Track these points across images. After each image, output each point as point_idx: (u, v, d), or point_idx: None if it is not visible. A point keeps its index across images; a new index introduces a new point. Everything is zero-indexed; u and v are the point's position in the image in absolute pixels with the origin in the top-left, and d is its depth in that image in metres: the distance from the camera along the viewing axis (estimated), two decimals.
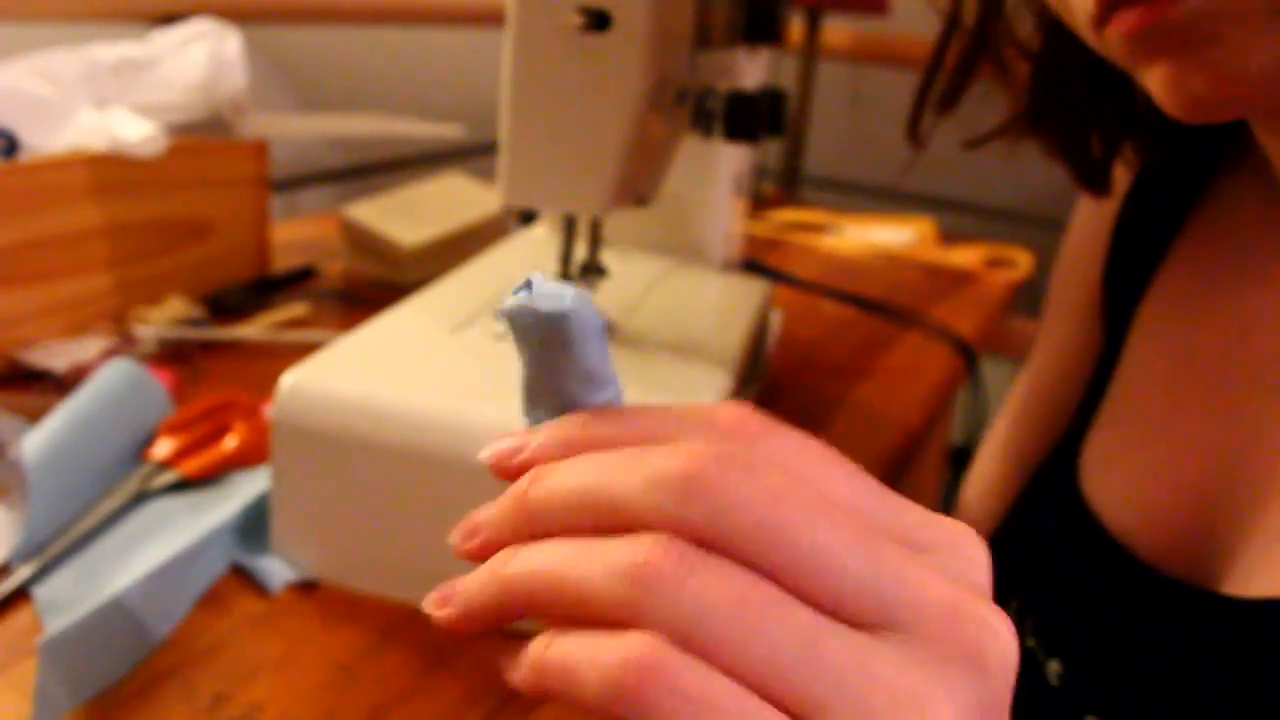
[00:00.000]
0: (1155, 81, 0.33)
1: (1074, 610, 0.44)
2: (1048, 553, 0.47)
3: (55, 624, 0.43)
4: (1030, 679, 0.44)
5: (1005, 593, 0.47)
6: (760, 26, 0.67)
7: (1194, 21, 0.31)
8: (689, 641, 0.20)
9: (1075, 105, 0.46)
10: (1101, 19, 0.33)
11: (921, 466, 1.30)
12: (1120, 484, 0.45)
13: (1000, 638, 0.22)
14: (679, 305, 0.70)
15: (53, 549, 0.51)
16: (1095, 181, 0.47)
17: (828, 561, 0.21)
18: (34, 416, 0.59)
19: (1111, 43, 0.33)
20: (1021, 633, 0.45)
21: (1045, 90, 0.46)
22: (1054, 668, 0.43)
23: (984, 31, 0.45)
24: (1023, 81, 0.46)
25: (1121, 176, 0.48)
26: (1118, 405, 0.48)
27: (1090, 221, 0.54)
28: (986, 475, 0.60)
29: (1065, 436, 0.51)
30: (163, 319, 0.77)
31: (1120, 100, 0.45)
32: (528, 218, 0.92)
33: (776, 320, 0.89)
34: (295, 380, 0.51)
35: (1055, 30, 0.44)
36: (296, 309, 0.85)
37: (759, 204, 1.46)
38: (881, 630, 0.21)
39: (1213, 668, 0.37)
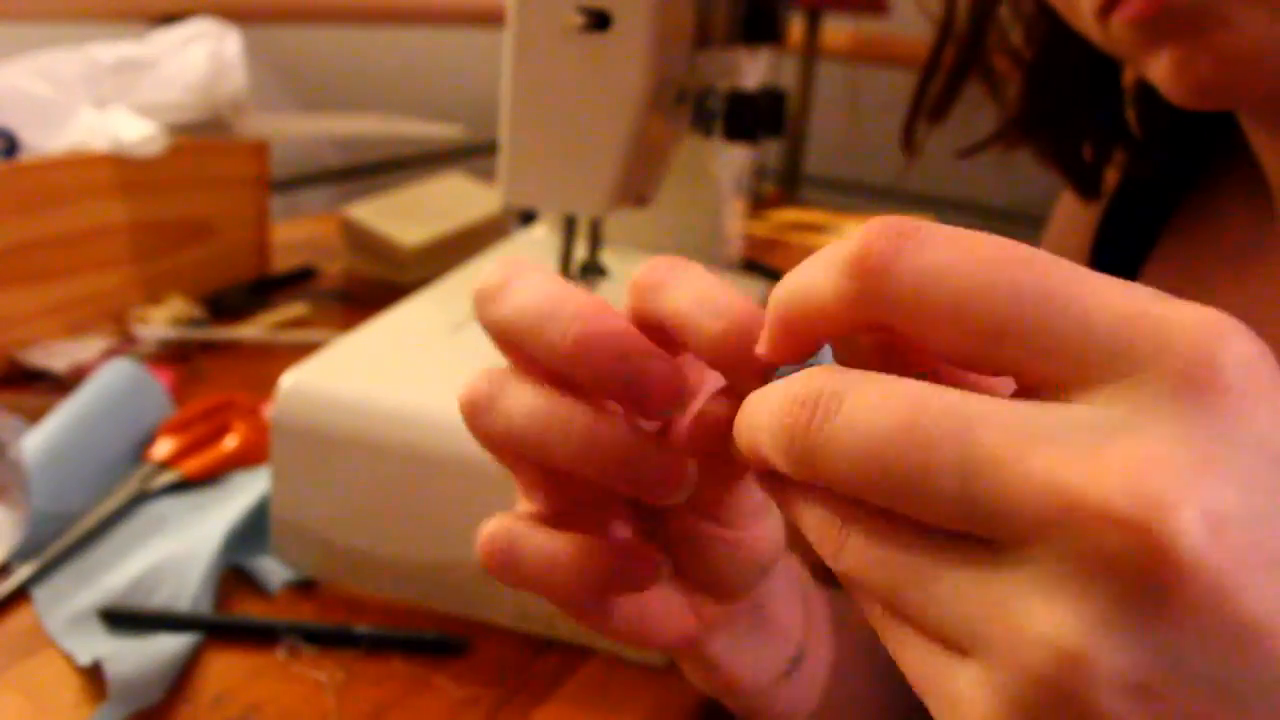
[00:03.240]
0: (1161, 68, 0.33)
1: None
2: None
3: (119, 667, 0.43)
4: None
5: None
6: (760, 26, 0.67)
7: (1202, 5, 0.31)
8: None
9: (1067, 112, 0.46)
10: (1108, 6, 0.33)
11: None
12: None
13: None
14: None
15: (53, 549, 0.51)
16: (1086, 185, 0.48)
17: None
18: (34, 416, 0.59)
19: (1117, 31, 0.34)
20: None
21: (1038, 98, 0.46)
22: None
23: (975, 40, 0.45)
24: (1014, 89, 0.46)
25: (1108, 177, 0.49)
26: None
27: (1071, 220, 0.54)
28: None
29: None
30: (163, 319, 0.77)
31: (1111, 106, 0.46)
32: (528, 218, 0.92)
33: None
34: (295, 380, 0.51)
35: (1048, 38, 0.45)
36: (296, 309, 0.85)
37: (759, 204, 1.45)
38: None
39: None
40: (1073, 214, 0.54)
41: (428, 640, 0.48)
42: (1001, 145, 0.48)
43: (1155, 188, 0.49)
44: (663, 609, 0.31)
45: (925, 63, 0.48)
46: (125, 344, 0.74)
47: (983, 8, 0.45)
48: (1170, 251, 0.47)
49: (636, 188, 0.59)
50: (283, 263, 0.94)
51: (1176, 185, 0.48)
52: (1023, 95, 0.46)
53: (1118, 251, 0.50)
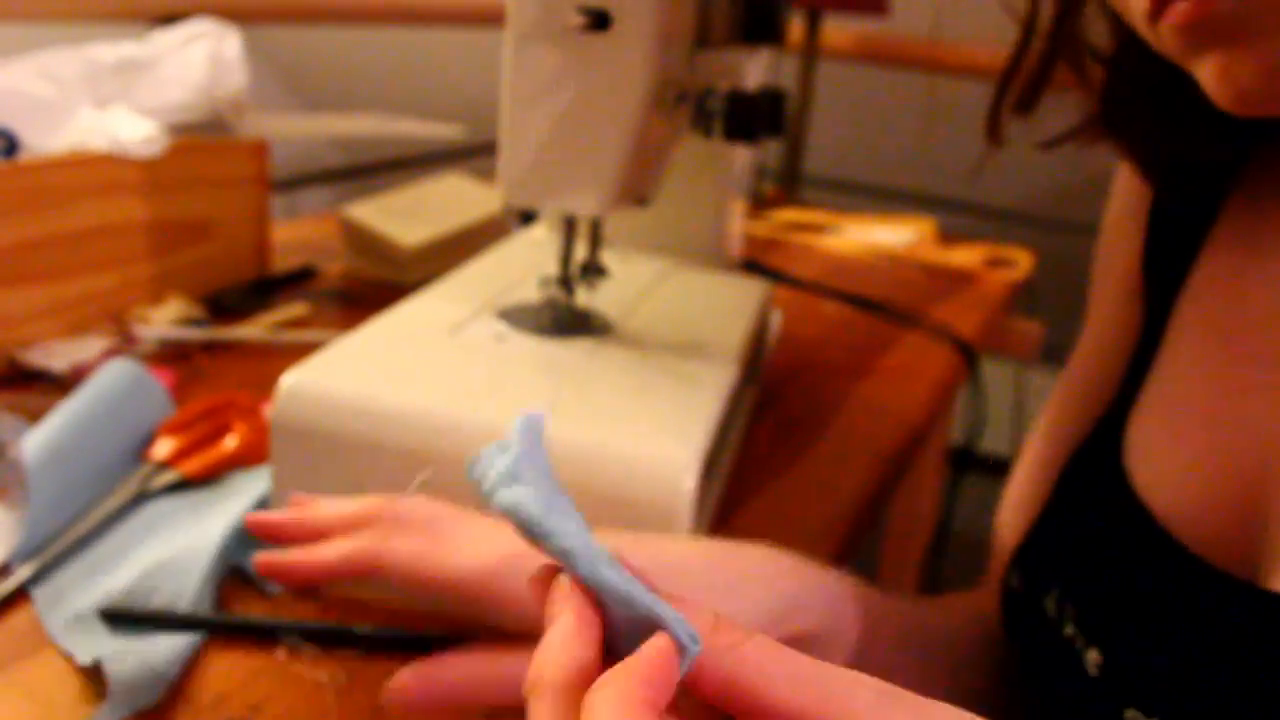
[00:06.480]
0: (1206, 73, 0.34)
1: (1116, 599, 0.43)
2: (1091, 540, 0.47)
3: (121, 667, 0.43)
4: (1068, 668, 0.43)
5: (1046, 581, 0.46)
6: (760, 26, 0.67)
7: (1243, 13, 0.31)
8: None
9: (1147, 107, 0.46)
10: (1155, 13, 0.34)
11: (922, 466, 1.30)
12: (1169, 471, 0.45)
13: None
14: (679, 305, 0.70)
15: (53, 549, 0.51)
16: (1162, 177, 0.48)
17: None
18: (34, 416, 0.59)
19: (1164, 36, 0.34)
20: (1061, 621, 0.45)
21: (1118, 92, 0.46)
22: (1093, 657, 0.43)
23: (1060, 35, 0.46)
24: (1096, 85, 0.47)
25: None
26: (1162, 388, 0.47)
27: (1125, 205, 0.54)
28: (1027, 472, 0.59)
29: (1106, 420, 0.51)
30: (163, 319, 0.77)
31: (1190, 100, 0.46)
32: (528, 218, 0.92)
33: (776, 320, 0.89)
34: (295, 380, 0.51)
35: (1128, 33, 0.45)
36: (296, 309, 0.85)
37: (759, 204, 1.46)
38: None
39: (1254, 664, 0.37)
40: (1126, 199, 0.54)
41: (428, 640, 0.48)
42: (1081, 139, 0.48)
43: (1210, 167, 0.48)
44: None
45: (1009, 56, 0.48)
46: (125, 344, 0.74)
47: (1067, 2, 0.46)
48: (1235, 227, 0.47)
49: (636, 188, 0.59)
50: (283, 263, 0.94)
51: (1238, 161, 0.48)
52: (1103, 89, 0.46)
53: (1175, 232, 0.49)
